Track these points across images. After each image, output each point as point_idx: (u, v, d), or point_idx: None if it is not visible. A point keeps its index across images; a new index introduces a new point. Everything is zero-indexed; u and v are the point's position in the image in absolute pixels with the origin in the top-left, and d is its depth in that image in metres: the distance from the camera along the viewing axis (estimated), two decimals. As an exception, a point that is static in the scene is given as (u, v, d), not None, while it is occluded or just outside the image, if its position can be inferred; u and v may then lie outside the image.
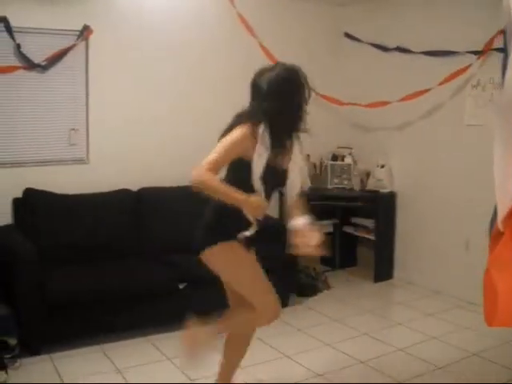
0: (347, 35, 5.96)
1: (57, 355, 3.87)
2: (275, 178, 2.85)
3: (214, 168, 2.64)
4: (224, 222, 2.84)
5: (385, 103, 5.40)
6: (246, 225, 2.82)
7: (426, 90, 5.05)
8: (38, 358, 3.82)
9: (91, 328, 4.02)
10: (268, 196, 2.85)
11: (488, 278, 2.36)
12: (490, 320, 2.37)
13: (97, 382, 3.54)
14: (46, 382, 3.51)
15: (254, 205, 2.67)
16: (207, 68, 5.28)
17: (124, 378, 3.62)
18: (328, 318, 4.71)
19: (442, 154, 5.22)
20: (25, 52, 4.34)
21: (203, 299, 4.13)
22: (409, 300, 5.14)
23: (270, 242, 4.72)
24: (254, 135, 2.72)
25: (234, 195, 2.65)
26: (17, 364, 3.69)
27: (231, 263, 2.90)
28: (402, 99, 5.23)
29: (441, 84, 4.94)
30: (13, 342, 3.74)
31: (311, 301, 5.14)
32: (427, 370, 3.73)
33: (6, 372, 3.54)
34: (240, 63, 5.30)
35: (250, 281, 2.93)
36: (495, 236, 2.43)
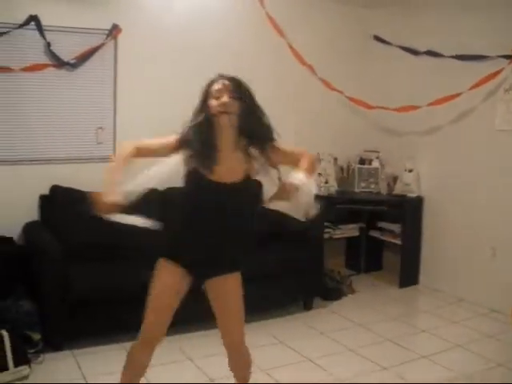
0: (376, 38, 5.90)
1: (79, 351, 3.90)
2: None
3: None
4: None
5: (414, 107, 5.33)
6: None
7: (457, 95, 4.97)
8: (60, 353, 3.85)
9: (114, 326, 4.02)
10: None
11: None
12: None
13: (118, 380, 3.54)
14: (67, 378, 3.55)
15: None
16: (236, 68, 5.25)
17: (145, 377, 3.61)
18: (352, 323, 4.66)
19: (471, 159, 5.14)
20: (54, 50, 4.39)
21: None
22: (434, 307, 5.07)
23: (295, 244, 4.74)
24: None
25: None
26: (40, 359, 3.73)
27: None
28: (432, 103, 5.16)
29: (472, 88, 4.86)
30: (36, 337, 3.79)
31: (335, 305, 5.09)
32: (451, 379, 3.67)
33: (30, 366, 3.57)
34: (268, 64, 5.31)
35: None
36: None
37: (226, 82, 2.64)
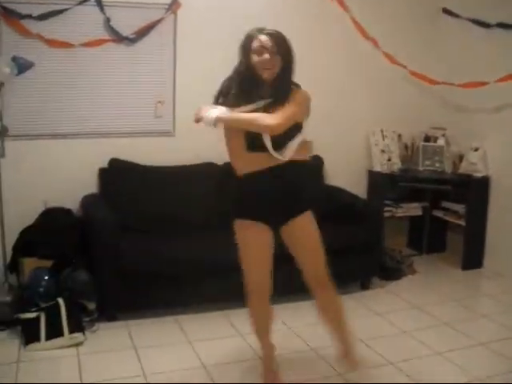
0: (445, 11, 5.63)
1: (133, 322, 3.99)
2: None
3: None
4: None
5: (483, 84, 5.07)
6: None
7: (527, 71, 4.72)
8: (114, 323, 3.96)
9: (166, 298, 4.09)
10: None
11: None
12: None
13: (168, 352, 3.62)
14: (119, 347, 3.65)
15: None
16: (297, 41, 5.18)
17: (194, 350, 3.67)
18: (409, 304, 4.55)
19: (543, 138, 4.87)
20: (114, 26, 4.43)
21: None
22: (497, 292, 4.86)
23: (354, 222, 4.64)
24: None
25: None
26: (94, 328, 3.85)
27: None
28: (501, 79, 4.89)
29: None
30: (91, 306, 3.91)
31: (394, 285, 4.98)
32: (510, 369, 3.51)
33: (84, 334, 3.70)
34: (331, 37, 5.20)
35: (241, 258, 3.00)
36: None
37: (266, 38, 2.73)
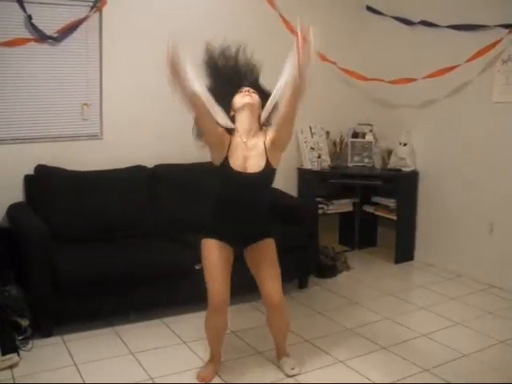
0: (369, 8, 5.73)
1: (69, 337, 3.78)
2: None
3: None
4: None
5: (410, 80, 5.19)
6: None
7: (454, 67, 4.83)
8: (50, 339, 3.73)
9: (104, 309, 3.92)
10: None
11: None
12: None
13: (110, 365, 3.44)
14: (58, 365, 3.42)
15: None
16: (225, 39, 5.10)
17: (138, 361, 3.52)
18: (349, 301, 4.58)
19: (467, 132, 5.01)
20: (36, 24, 4.19)
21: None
22: (431, 283, 4.98)
23: (288, 221, 4.61)
24: None
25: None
26: (29, 346, 3.60)
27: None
28: (428, 76, 5.02)
29: (469, 60, 4.72)
30: (24, 323, 3.66)
31: (331, 282, 5.00)
32: (453, 357, 3.58)
33: (18, 354, 3.44)
34: (260, 35, 5.14)
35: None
36: None
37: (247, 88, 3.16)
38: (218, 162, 3.06)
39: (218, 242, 3.13)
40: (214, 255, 3.12)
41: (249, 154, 3.06)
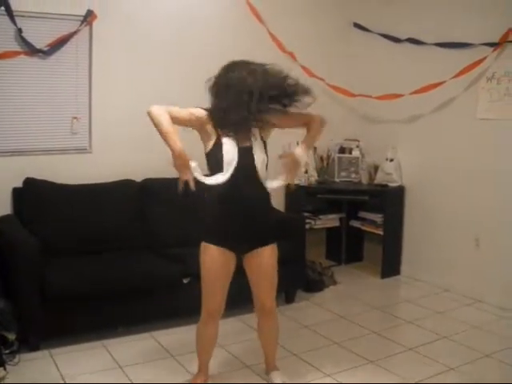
0: (356, 25, 5.80)
1: (57, 351, 3.75)
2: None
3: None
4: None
5: (397, 96, 5.26)
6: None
7: (440, 83, 4.91)
8: (37, 353, 3.70)
9: (92, 323, 3.90)
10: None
11: None
12: None
13: (98, 379, 3.42)
14: (45, 379, 3.39)
15: (175, 154, 2.96)
16: (213, 57, 5.13)
17: (126, 375, 3.50)
18: (335, 315, 4.59)
19: (453, 148, 5.08)
20: (26, 37, 4.20)
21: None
22: (417, 297, 5.01)
23: (277, 236, 4.62)
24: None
25: (168, 136, 2.95)
26: (15, 360, 3.56)
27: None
28: (415, 92, 5.09)
29: (455, 77, 4.80)
30: (11, 336, 3.62)
31: (317, 297, 5.02)
32: (439, 371, 3.61)
33: (5, 368, 3.41)
34: (248, 51, 5.16)
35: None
36: None
37: None
38: (210, 145, 3.08)
39: (218, 247, 3.05)
40: (211, 261, 3.07)
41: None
